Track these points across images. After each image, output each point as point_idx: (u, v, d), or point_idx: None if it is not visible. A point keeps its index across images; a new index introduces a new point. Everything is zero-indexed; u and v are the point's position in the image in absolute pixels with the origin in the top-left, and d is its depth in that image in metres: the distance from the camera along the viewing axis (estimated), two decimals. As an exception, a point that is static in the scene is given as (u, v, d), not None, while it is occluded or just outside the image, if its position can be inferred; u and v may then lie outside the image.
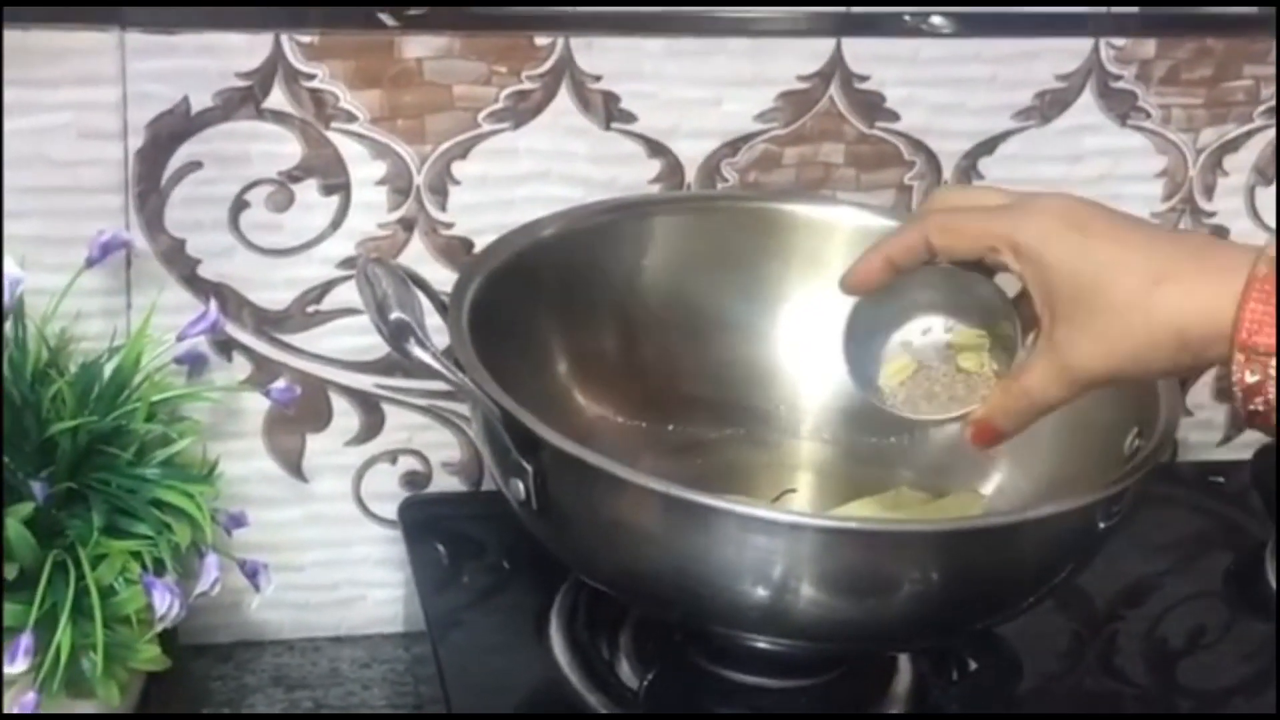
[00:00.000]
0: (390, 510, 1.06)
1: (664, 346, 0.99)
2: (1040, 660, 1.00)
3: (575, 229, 0.96)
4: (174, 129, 0.95)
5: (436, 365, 0.81)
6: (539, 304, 0.94)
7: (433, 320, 0.89)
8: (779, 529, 0.78)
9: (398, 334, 0.81)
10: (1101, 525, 0.84)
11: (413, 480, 1.06)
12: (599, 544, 0.83)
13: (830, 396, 1.01)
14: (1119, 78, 1.06)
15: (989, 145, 1.06)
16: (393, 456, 1.06)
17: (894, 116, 1.04)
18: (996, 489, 0.97)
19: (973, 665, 0.95)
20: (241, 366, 1.01)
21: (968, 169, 1.07)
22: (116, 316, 0.98)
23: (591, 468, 0.78)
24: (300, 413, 1.03)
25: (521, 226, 0.95)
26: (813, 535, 0.79)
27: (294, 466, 1.04)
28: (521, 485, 0.81)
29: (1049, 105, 1.06)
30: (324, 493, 1.06)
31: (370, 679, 1.06)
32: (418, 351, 0.80)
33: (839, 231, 1.00)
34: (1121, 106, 1.07)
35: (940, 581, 0.81)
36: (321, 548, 1.07)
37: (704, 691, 0.90)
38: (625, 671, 0.93)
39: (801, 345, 1.01)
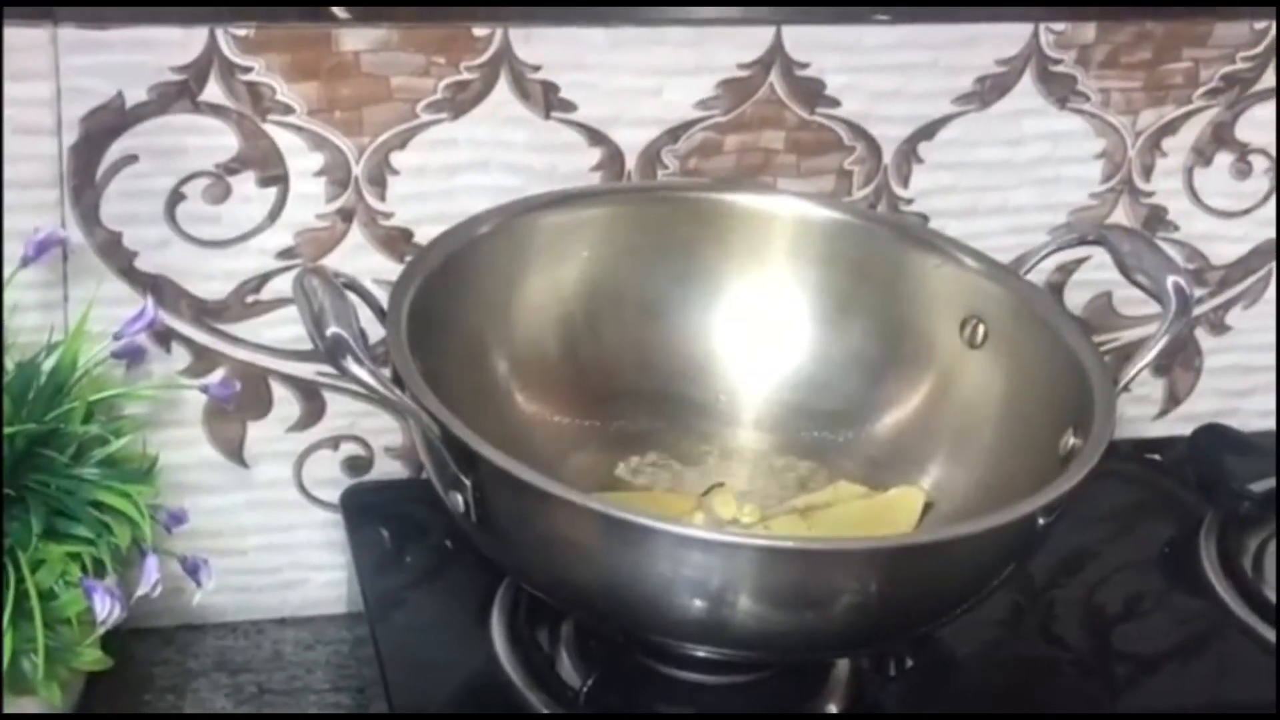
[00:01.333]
0: (333, 495, 1.06)
1: (603, 341, 0.99)
2: (980, 629, 1.00)
3: (510, 225, 0.95)
4: (109, 123, 0.94)
5: (374, 383, 0.80)
6: (477, 304, 0.94)
7: (369, 318, 0.89)
8: (714, 547, 0.78)
9: (334, 351, 0.80)
10: (1041, 523, 0.85)
11: (355, 465, 1.07)
12: (536, 557, 0.83)
13: (770, 388, 1.02)
14: (1059, 62, 1.06)
15: (929, 130, 1.06)
16: (334, 442, 1.06)
17: (834, 103, 1.04)
18: (935, 484, 0.98)
19: (909, 661, 0.95)
20: (180, 357, 1.01)
21: (908, 153, 1.07)
22: (54, 310, 0.97)
23: (528, 485, 0.78)
24: (240, 401, 1.03)
25: (456, 226, 0.95)
26: (749, 554, 0.79)
27: (235, 454, 1.04)
28: (460, 499, 0.81)
29: (989, 90, 1.06)
30: (266, 479, 1.06)
31: (314, 661, 1.07)
32: (355, 369, 0.80)
33: (778, 221, 1.00)
34: (1061, 90, 1.07)
35: (879, 595, 0.81)
36: (264, 533, 1.07)
37: (643, 687, 0.91)
38: (565, 664, 0.93)
39: (741, 336, 1.02)
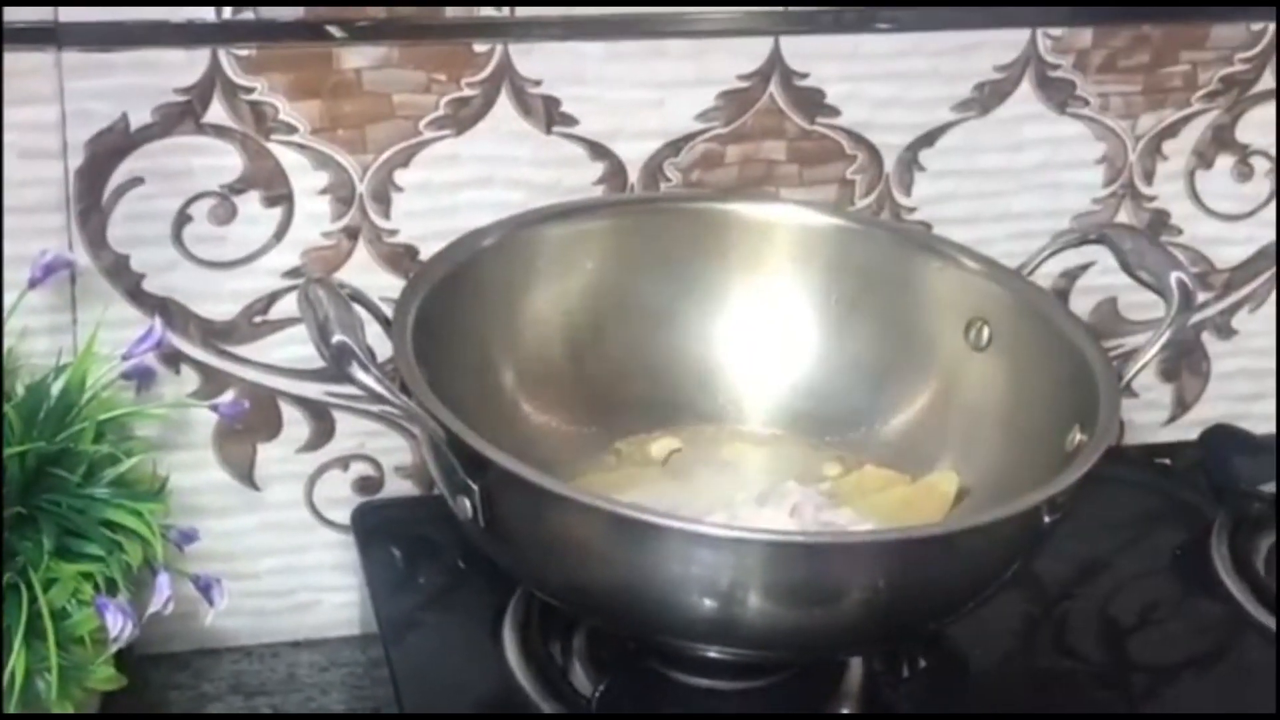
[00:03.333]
0: (344, 515, 1.07)
1: (608, 351, 0.99)
2: (994, 641, 1.01)
3: (514, 238, 0.96)
4: (114, 146, 0.95)
5: (380, 389, 0.81)
6: (482, 315, 0.94)
7: (376, 332, 0.90)
8: (723, 544, 0.78)
9: (340, 358, 0.81)
10: (1047, 520, 0.85)
11: (365, 485, 1.07)
12: (546, 560, 0.83)
13: (776, 394, 1.02)
14: (1057, 67, 1.07)
15: (930, 138, 1.07)
16: (344, 463, 1.06)
17: (835, 112, 1.05)
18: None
19: (922, 662, 0.95)
20: (190, 379, 1.01)
21: (909, 161, 1.07)
22: (63, 333, 0.98)
23: (536, 486, 0.78)
24: (250, 422, 1.03)
25: (461, 238, 0.96)
26: (758, 549, 0.79)
27: (245, 476, 1.05)
28: (468, 503, 0.81)
29: (988, 96, 1.06)
30: (277, 500, 1.06)
31: (329, 683, 1.07)
32: (360, 375, 0.81)
33: (780, 230, 1.01)
34: (1060, 95, 1.08)
35: (888, 589, 0.82)
36: (276, 555, 1.07)
37: (657, 695, 0.91)
38: (578, 675, 0.94)
39: (746, 344, 1.02)
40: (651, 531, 0.78)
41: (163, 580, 0.90)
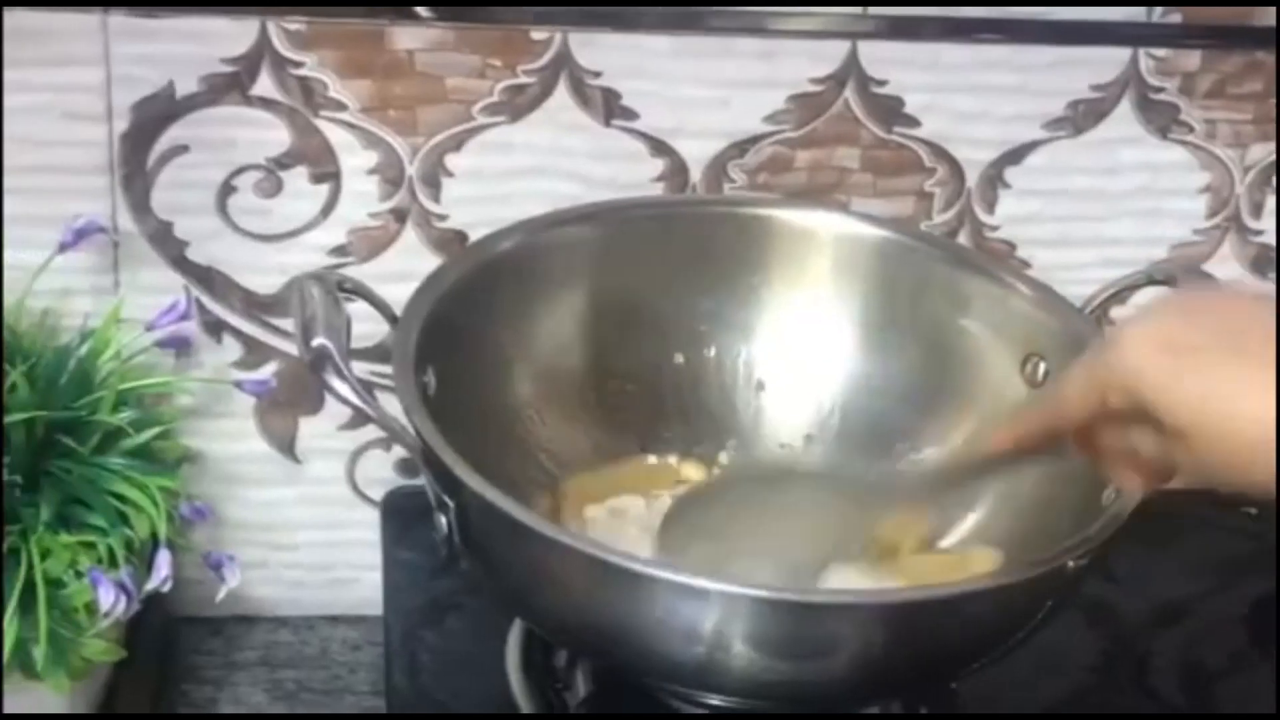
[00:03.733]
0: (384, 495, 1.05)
1: (634, 360, 0.95)
2: (1071, 676, 0.98)
3: (535, 241, 0.93)
4: (159, 112, 0.94)
5: (353, 398, 0.79)
6: (497, 322, 0.91)
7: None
8: (704, 595, 0.74)
9: (316, 362, 0.79)
10: (1071, 566, 0.80)
11: (407, 467, 1.05)
12: (519, 589, 0.80)
13: (810, 410, 0.98)
14: (1160, 90, 1.01)
15: (1016, 155, 1.02)
16: (386, 443, 1.04)
17: (914, 122, 1.00)
18: (979, 522, 0.93)
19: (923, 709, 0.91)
20: (232, 348, 1.00)
21: (994, 178, 1.02)
22: (105, 296, 0.97)
23: (505, 515, 0.75)
24: (293, 396, 1.02)
25: (478, 240, 0.93)
26: (747, 604, 0.74)
27: (287, 449, 1.04)
28: (444, 520, 0.79)
29: (1083, 116, 1.01)
30: (317, 475, 1.05)
31: (358, 662, 1.06)
32: (334, 381, 0.79)
33: (823, 239, 0.97)
34: (1162, 119, 1.02)
35: (888, 648, 0.77)
36: (316, 529, 1.07)
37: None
38: (577, 686, 0.91)
39: (782, 355, 0.98)
40: (624, 575, 0.74)
41: (162, 558, 0.90)
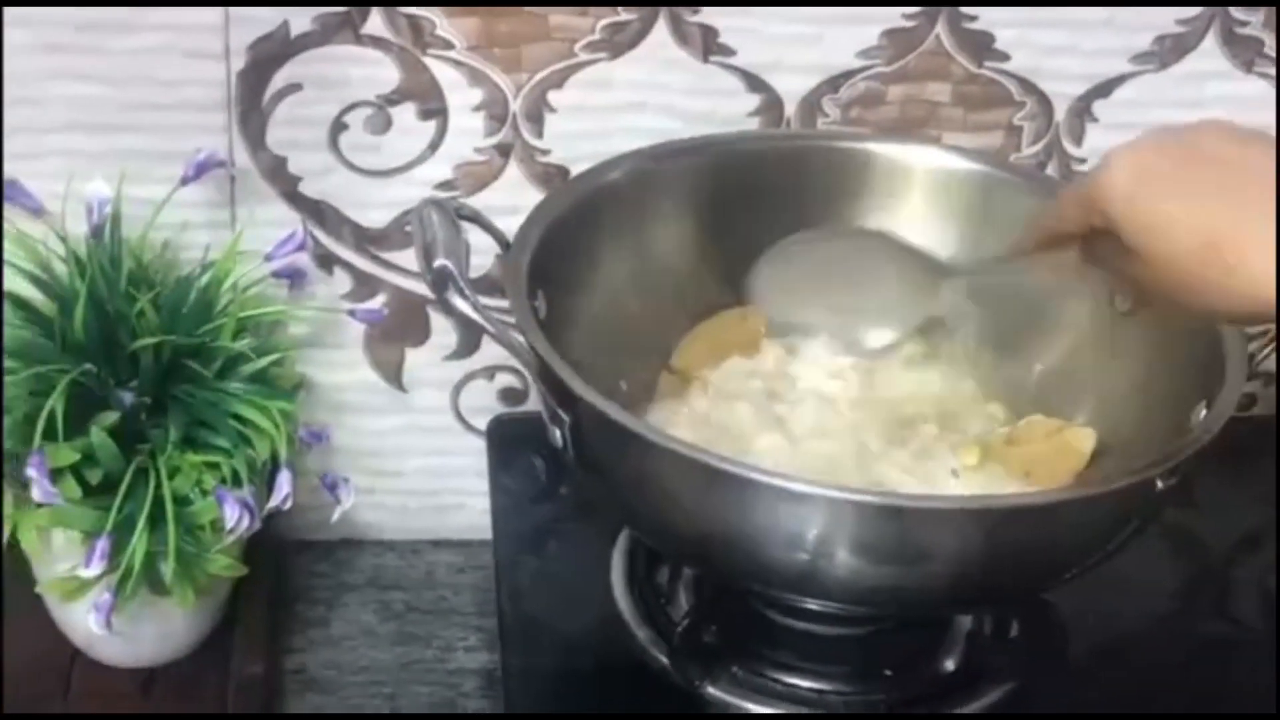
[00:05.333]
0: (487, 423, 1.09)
1: (732, 290, 0.98)
2: (1153, 602, 1.01)
3: (644, 170, 0.96)
4: (274, 51, 0.97)
5: (473, 315, 0.82)
6: (603, 249, 0.94)
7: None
8: (810, 500, 0.77)
9: (439, 282, 0.82)
10: (1160, 486, 0.82)
11: (509, 396, 1.09)
12: (630, 499, 0.84)
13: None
14: (1245, 24, 1.03)
15: (1104, 89, 1.04)
16: (490, 372, 1.08)
17: (1004, 56, 1.02)
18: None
19: (1014, 629, 0.94)
20: (342, 281, 1.04)
21: (1082, 111, 1.04)
22: (221, 229, 1.01)
23: (618, 425, 0.78)
24: (399, 327, 1.06)
25: (589, 169, 0.96)
26: (849, 509, 0.78)
27: (394, 378, 1.08)
28: (559, 434, 0.82)
29: (1169, 50, 1.03)
30: (423, 404, 1.09)
31: (462, 584, 1.10)
32: (456, 300, 0.82)
33: (918, 172, 0.99)
34: (1246, 53, 1.04)
35: (982, 555, 0.80)
36: (421, 456, 1.10)
37: (748, 633, 0.91)
38: (679, 605, 0.94)
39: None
40: (732, 481, 0.77)
41: (283, 477, 0.94)
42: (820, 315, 0.94)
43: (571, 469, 0.87)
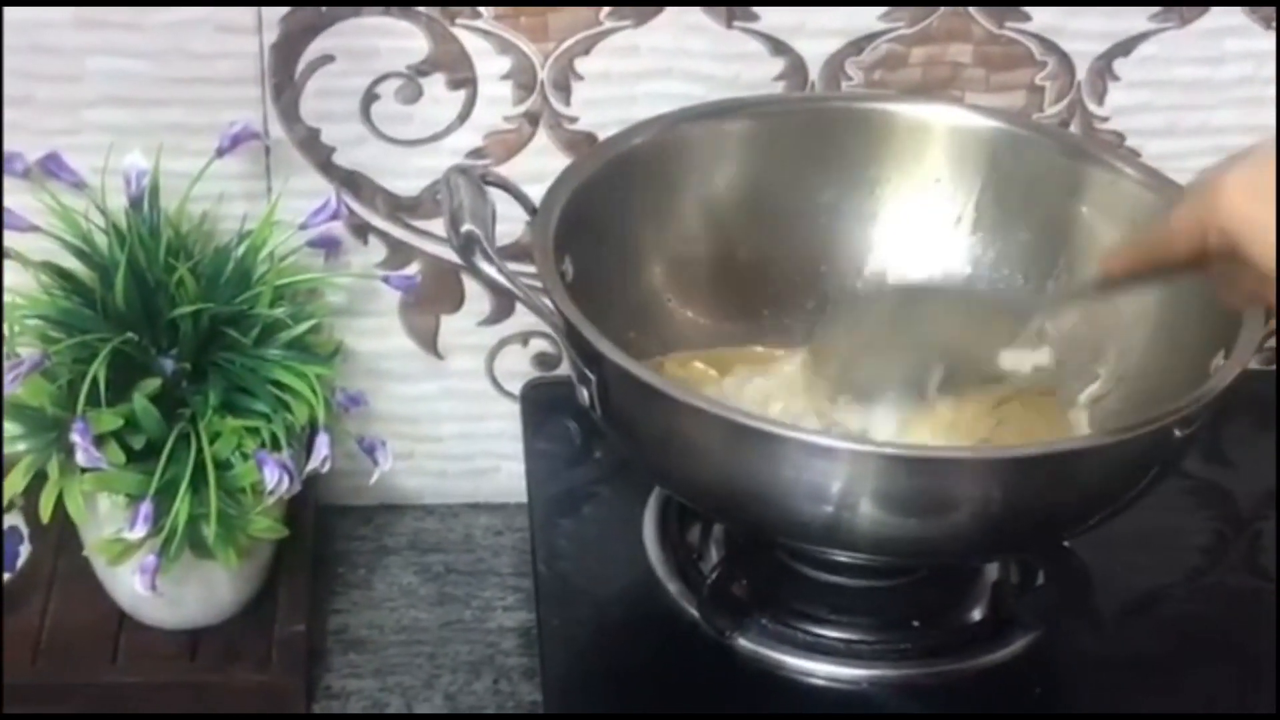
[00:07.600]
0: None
1: (759, 249, 1.00)
2: (1183, 556, 1.02)
3: (669, 134, 0.97)
4: (306, 24, 0.99)
5: (500, 279, 0.84)
6: (632, 211, 0.96)
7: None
8: (830, 453, 0.79)
9: (466, 247, 0.84)
10: (1178, 434, 0.84)
11: (543, 361, 1.11)
12: (657, 455, 0.86)
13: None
14: (1265, -21, 1.04)
15: (1125, 46, 1.05)
16: (524, 338, 1.10)
17: (1025, 17, 1.03)
18: (1089, 397, 0.98)
19: (1040, 577, 0.95)
20: (376, 249, 1.06)
21: (1103, 70, 1.05)
22: (257, 200, 1.03)
23: (643, 383, 0.80)
24: (434, 294, 1.08)
25: (615, 134, 0.98)
26: (872, 460, 0.80)
27: (429, 344, 1.09)
28: (586, 393, 0.84)
29: (1189, 7, 1.04)
30: (458, 370, 1.11)
31: (500, 546, 1.12)
32: (482, 264, 0.84)
33: (938, 131, 1.01)
34: (1265, 9, 1.04)
35: (1004, 504, 0.82)
36: (457, 421, 1.12)
37: (777, 585, 0.92)
38: (710, 560, 0.96)
39: (900, 243, 1.02)
40: (755, 436, 0.79)
41: (321, 440, 0.96)
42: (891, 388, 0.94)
43: (603, 431, 0.88)
